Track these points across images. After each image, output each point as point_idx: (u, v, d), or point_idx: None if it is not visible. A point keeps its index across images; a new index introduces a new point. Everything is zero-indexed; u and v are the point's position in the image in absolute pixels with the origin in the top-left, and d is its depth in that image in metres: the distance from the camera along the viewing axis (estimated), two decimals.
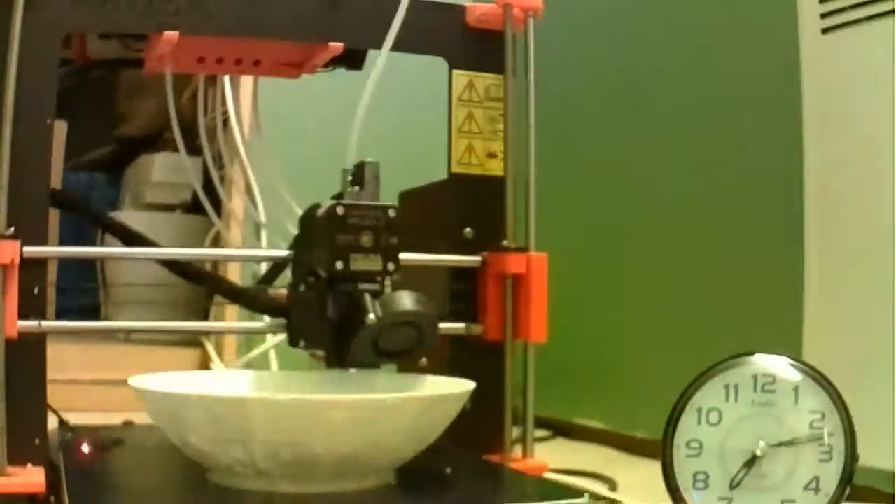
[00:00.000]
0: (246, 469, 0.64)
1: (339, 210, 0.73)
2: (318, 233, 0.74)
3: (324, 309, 0.74)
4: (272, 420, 0.62)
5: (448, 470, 0.73)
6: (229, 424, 0.62)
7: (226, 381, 0.80)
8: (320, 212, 0.74)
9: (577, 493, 0.66)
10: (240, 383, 0.79)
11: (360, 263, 0.73)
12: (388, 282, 0.74)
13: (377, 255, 0.74)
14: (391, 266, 0.74)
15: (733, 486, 0.80)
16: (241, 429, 0.62)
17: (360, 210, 0.74)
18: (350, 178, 0.76)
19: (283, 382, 0.80)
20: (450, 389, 0.71)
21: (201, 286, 0.94)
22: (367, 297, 0.72)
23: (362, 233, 0.73)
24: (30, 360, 0.70)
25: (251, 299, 0.85)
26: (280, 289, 0.82)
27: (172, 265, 0.85)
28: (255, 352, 1.45)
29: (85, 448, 0.75)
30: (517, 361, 0.82)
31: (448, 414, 0.69)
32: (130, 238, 0.88)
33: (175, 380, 0.73)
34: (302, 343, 0.76)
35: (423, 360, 0.76)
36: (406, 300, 0.73)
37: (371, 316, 0.71)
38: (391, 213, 0.75)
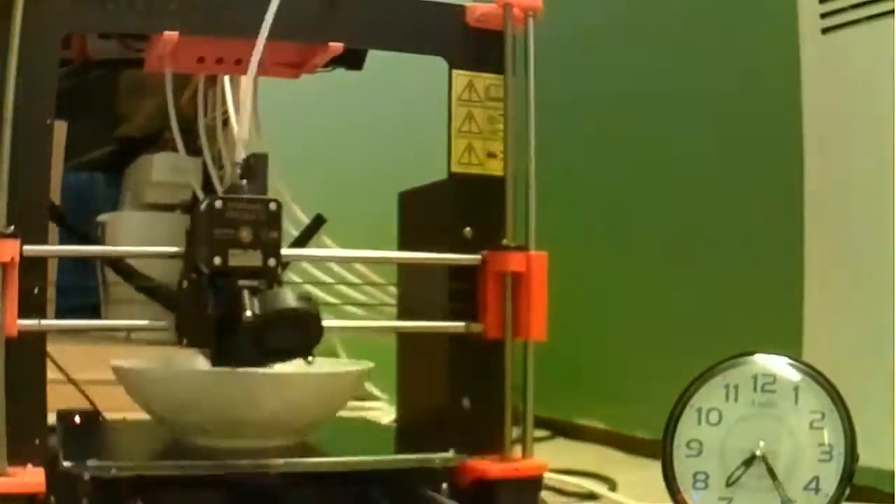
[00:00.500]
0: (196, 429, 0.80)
1: (218, 204, 0.71)
2: (198, 227, 0.72)
3: (205, 306, 0.71)
4: (205, 390, 0.78)
5: None
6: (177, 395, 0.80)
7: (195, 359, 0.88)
8: (202, 206, 0.72)
9: None
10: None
11: (238, 259, 0.71)
12: (276, 278, 0.72)
13: (256, 250, 0.72)
14: (272, 262, 0.72)
15: (730, 483, 0.80)
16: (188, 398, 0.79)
17: (239, 204, 0.72)
18: (239, 171, 0.74)
19: None
20: (346, 368, 0.88)
21: (129, 283, 0.93)
22: (246, 294, 0.70)
23: (241, 227, 0.71)
24: (30, 358, 0.70)
25: (168, 297, 0.83)
26: None
27: (114, 263, 0.85)
28: None
29: (77, 418, 0.87)
30: (517, 361, 0.82)
31: (346, 389, 0.86)
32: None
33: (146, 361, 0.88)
34: (185, 341, 0.74)
35: (311, 359, 0.72)
36: (287, 297, 0.70)
37: (248, 313, 0.69)
38: (272, 206, 0.72)
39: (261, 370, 0.75)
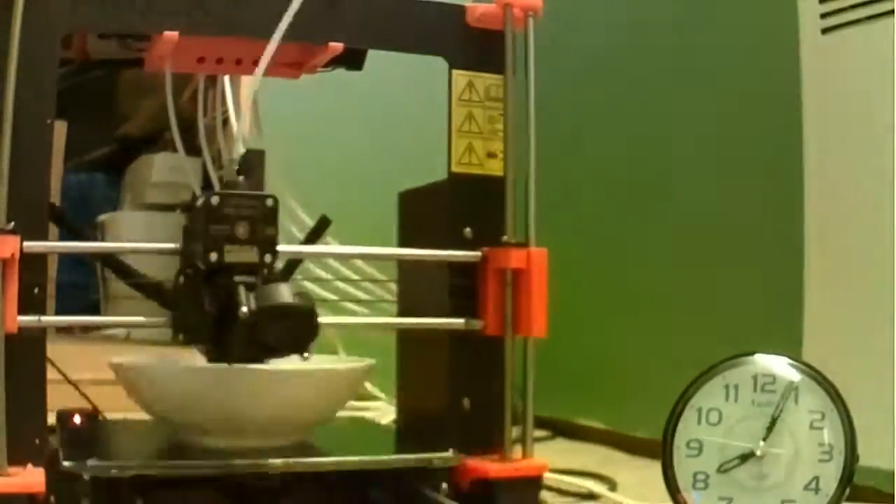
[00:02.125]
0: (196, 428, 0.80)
1: (214, 200, 0.71)
2: (195, 223, 0.72)
3: (202, 302, 0.72)
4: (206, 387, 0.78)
5: None
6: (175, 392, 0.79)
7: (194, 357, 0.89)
8: (198, 202, 0.72)
9: None
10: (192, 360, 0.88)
11: (234, 255, 0.71)
12: (271, 274, 0.72)
13: (253, 246, 0.72)
14: (268, 257, 0.72)
15: (721, 470, 0.80)
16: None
17: (236, 200, 0.72)
18: (236, 167, 0.74)
19: None
20: (347, 365, 0.87)
21: (125, 281, 0.93)
22: (242, 290, 0.70)
23: (238, 223, 0.71)
24: (30, 355, 0.70)
25: (163, 293, 0.83)
26: None
27: (109, 260, 0.85)
28: None
29: (77, 419, 0.85)
30: (517, 360, 0.82)
31: (345, 387, 0.85)
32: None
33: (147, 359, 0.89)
34: (181, 337, 0.74)
35: (307, 355, 0.72)
36: (282, 293, 0.70)
37: (244, 309, 0.69)
38: (269, 202, 0.72)
39: (260, 367, 0.75)
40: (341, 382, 0.85)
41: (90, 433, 0.85)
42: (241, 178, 0.74)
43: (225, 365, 0.78)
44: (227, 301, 0.71)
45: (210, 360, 0.75)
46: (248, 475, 0.74)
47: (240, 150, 0.75)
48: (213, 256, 0.71)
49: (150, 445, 0.86)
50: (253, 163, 0.75)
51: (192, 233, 0.73)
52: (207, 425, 0.80)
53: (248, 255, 0.71)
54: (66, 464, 0.69)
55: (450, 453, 0.78)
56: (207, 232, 0.71)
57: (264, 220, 0.72)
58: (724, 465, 0.81)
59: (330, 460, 0.78)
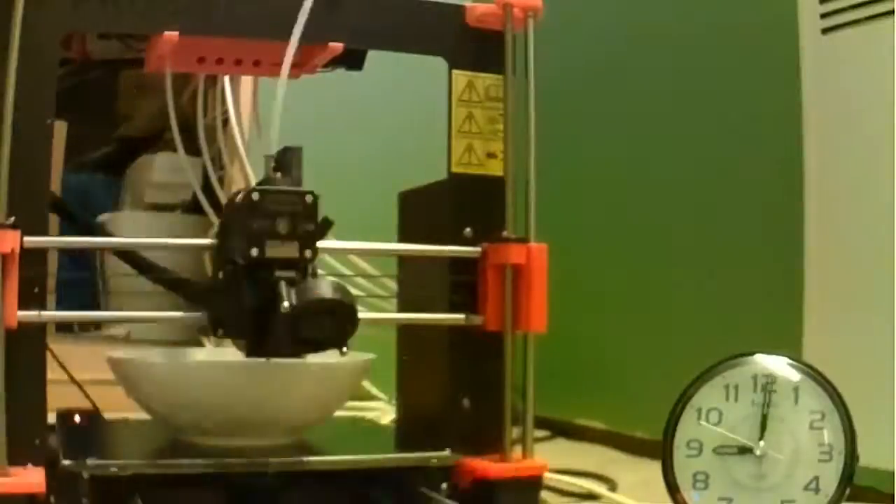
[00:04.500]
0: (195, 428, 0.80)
1: (255, 196, 0.72)
2: (234, 219, 0.73)
3: (242, 297, 0.72)
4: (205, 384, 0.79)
5: None
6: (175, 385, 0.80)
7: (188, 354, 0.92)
8: (238, 198, 0.73)
9: None
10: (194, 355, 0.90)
11: (275, 250, 0.71)
12: (310, 270, 0.73)
13: (294, 241, 0.72)
14: (308, 253, 0.72)
15: (717, 451, 0.81)
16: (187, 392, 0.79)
17: (276, 196, 0.72)
18: (273, 164, 0.75)
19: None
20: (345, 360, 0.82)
21: (146, 276, 0.93)
22: (283, 285, 0.70)
23: (278, 219, 0.72)
24: (30, 351, 0.70)
25: (187, 288, 0.84)
26: None
27: (125, 255, 0.85)
28: None
29: (77, 418, 0.87)
30: (517, 360, 0.82)
31: (345, 382, 0.85)
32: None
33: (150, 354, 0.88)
34: (220, 332, 0.74)
35: (346, 350, 0.73)
36: (323, 288, 0.71)
37: (286, 304, 0.69)
38: (308, 198, 0.73)
39: (258, 362, 0.75)
40: (341, 378, 0.85)
41: (90, 432, 0.87)
42: (277, 174, 0.74)
43: (223, 361, 0.80)
44: (267, 296, 0.71)
45: (248, 354, 0.75)
46: (246, 474, 0.74)
47: (274, 146, 0.75)
48: (255, 251, 0.71)
49: (150, 445, 0.86)
50: (290, 159, 0.74)
51: (231, 228, 0.73)
52: (206, 424, 0.80)
53: (289, 250, 0.72)
54: (65, 462, 0.69)
55: (447, 452, 0.78)
56: (249, 227, 0.71)
57: (304, 216, 0.73)
58: (718, 449, 0.81)
59: (328, 459, 0.78)
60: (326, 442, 0.86)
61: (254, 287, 0.72)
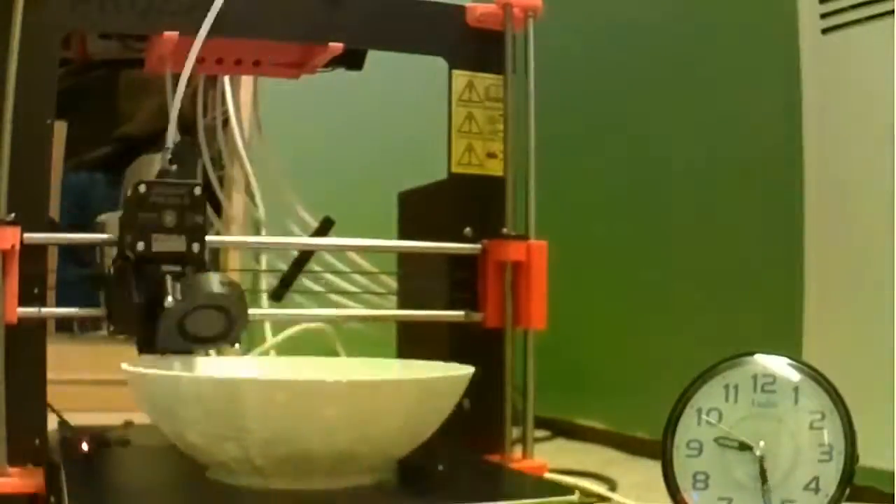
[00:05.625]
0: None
1: (142, 188, 0.71)
2: (126, 212, 0.72)
3: (131, 292, 0.71)
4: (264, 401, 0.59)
5: (441, 467, 0.70)
6: (220, 406, 0.60)
7: (220, 366, 0.78)
8: (128, 191, 0.72)
9: (568, 490, 0.65)
10: (232, 368, 0.76)
11: (161, 244, 0.70)
12: (201, 264, 0.72)
13: (181, 234, 0.71)
14: (196, 246, 0.71)
15: (719, 442, 0.81)
16: (230, 408, 0.60)
17: (164, 188, 0.71)
18: (168, 156, 0.74)
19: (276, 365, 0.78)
20: (446, 373, 0.68)
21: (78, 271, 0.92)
22: (169, 280, 0.69)
23: (165, 212, 0.71)
24: (30, 347, 0.70)
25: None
26: None
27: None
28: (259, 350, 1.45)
29: (84, 446, 0.74)
30: (517, 360, 0.82)
31: (444, 399, 0.67)
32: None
33: (168, 364, 0.71)
34: (112, 328, 0.73)
35: (237, 345, 0.72)
36: (211, 283, 0.69)
37: (169, 299, 0.68)
38: (196, 191, 0.72)
39: (336, 378, 0.61)
40: (442, 395, 0.66)
41: (99, 469, 0.73)
42: (173, 167, 0.73)
43: (288, 379, 0.67)
44: (155, 291, 0.70)
45: (139, 351, 0.72)
46: None
47: (172, 139, 0.74)
48: (141, 245, 0.70)
49: (179, 490, 0.68)
50: (185, 152, 0.74)
51: (125, 222, 0.72)
52: (259, 461, 0.61)
53: (176, 244, 0.71)
54: None
55: (575, 497, 0.64)
56: (136, 220, 0.70)
57: (192, 209, 0.71)
58: (720, 439, 0.81)
59: None
60: (403, 480, 0.68)
61: (141, 282, 0.70)
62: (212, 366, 0.75)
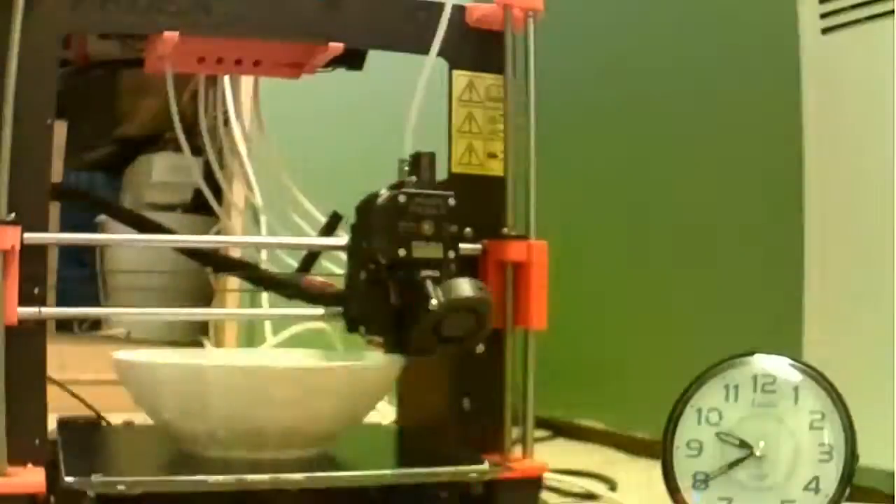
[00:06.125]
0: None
1: (402, 198, 0.75)
2: (379, 221, 0.75)
3: (384, 296, 0.75)
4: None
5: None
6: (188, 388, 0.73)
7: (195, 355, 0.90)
8: (380, 200, 0.75)
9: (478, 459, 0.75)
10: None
11: (421, 251, 0.74)
12: (452, 269, 0.76)
13: (438, 242, 0.75)
14: (451, 254, 0.75)
15: (720, 437, 0.81)
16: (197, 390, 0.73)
17: (420, 199, 0.75)
18: (407, 167, 0.77)
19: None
20: (376, 363, 0.80)
21: (229, 274, 0.94)
22: (430, 284, 0.73)
23: (423, 221, 0.75)
24: (30, 347, 0.70)
25: (288, 286, 0.86)
26: (315, 276, 0.85)
27: (197, 255, 0.85)
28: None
29: (79, 426, 0.83)
30: (517, 359, 0.82)
31: (373, 384, 0.78)
32: (137, 222, 0.89)
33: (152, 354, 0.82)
34: (362, 329, 0.77)
35: (481, 347, 0.77)
36: (467, 286, 0.73)
37: (434, 302, 0.72)
38: (451, 201, 0.76)
39: (281, 366, 0.75)
40: (373, 381, 0.79)
41: (93, 443, 0.82)
42: (412, 178, 0.77)
43: (244, 365, 0.79)
44: (411, 295, 0.74)
45: (387, 351, 0.77)
46: (269, 492, 0.70)
47: (408, 150, 0.78)
48: (402, 252, 0.74)
49: (159, 457, 0.80)
50: (424, 163, 0.77)
51: (371, 230, 0.75)
52: (221, 434, 0.74)
53: (434, 251, 0.75)
54: (68, 479, 0.65)
55: (486, 466, 0.75)
56: (395, 229, 0.74)
57: (447, 218, 0.76)
58: (722, 435, 0.81)
59: (362, 475, 0.74)
60: (349, 452, 0.80)
61: (397, 286, 0.75)
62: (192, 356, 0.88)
